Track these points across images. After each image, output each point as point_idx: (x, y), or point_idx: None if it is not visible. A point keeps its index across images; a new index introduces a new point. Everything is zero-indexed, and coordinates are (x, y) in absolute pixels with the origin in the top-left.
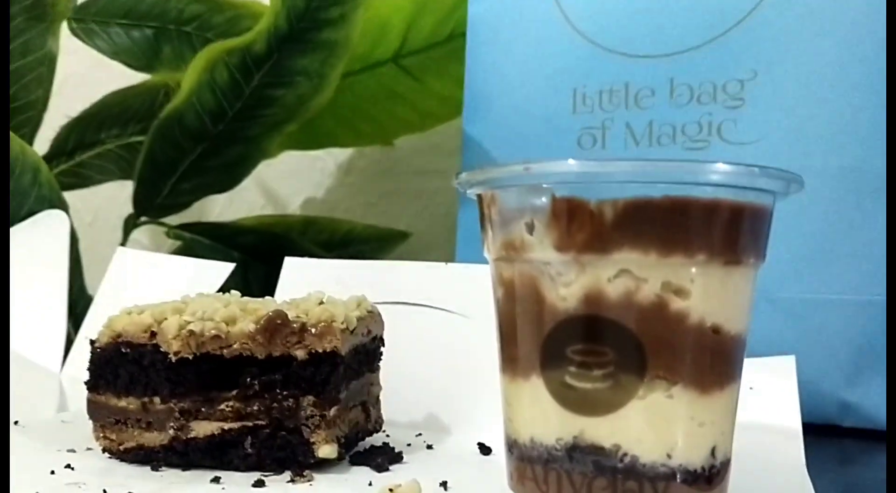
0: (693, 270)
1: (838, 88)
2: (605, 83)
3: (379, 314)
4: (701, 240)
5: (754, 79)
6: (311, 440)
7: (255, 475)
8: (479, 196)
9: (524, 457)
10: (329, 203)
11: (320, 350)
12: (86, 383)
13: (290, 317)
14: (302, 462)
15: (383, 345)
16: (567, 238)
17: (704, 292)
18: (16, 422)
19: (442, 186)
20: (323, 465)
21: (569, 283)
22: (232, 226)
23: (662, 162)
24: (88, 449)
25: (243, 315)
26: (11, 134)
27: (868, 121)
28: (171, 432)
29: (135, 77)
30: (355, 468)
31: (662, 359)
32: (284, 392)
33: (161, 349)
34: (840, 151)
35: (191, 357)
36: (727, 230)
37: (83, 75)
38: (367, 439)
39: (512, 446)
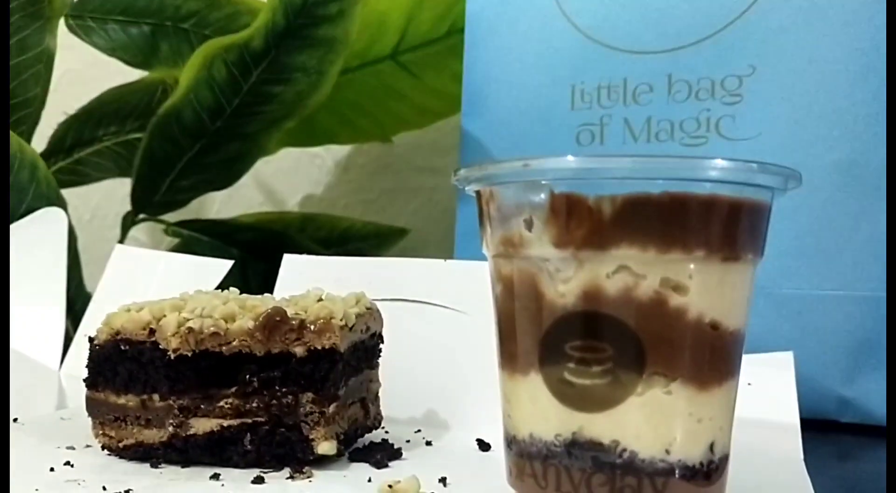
0: (691, 266)
1: (836, 83)
2: (603, 79)
3: (378, 311)
4: (699, 236)
5: (752, 75)
6: (311, 436)
7: (255, 472)
8: (478, 193)
9: (523, 453)
10: (328, 200)
11: (319, 347)
12: (85, 380)
13: (289, 314)
14: (301, 459)
15: (382, 342)
16: (566, 234)
17: (703, 288)
18: (15, 419)
19: (440, 183)
20: (322, 461)
21: (567, 279)
22: (230, 223)
23: (661, 158)
24: (87, 446)
25: (242, 312)
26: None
27: (866, 116)
28: (171, 429)
29: (132, 74)
30: (354, 465)
31: (661, 355)
32: (283, 389)
33: (160, 347)
34: (838, 147)
35: (190, 354)
36: (725, 226)
37: (81, 72)
38: (367, 435)
39: (511, 442)
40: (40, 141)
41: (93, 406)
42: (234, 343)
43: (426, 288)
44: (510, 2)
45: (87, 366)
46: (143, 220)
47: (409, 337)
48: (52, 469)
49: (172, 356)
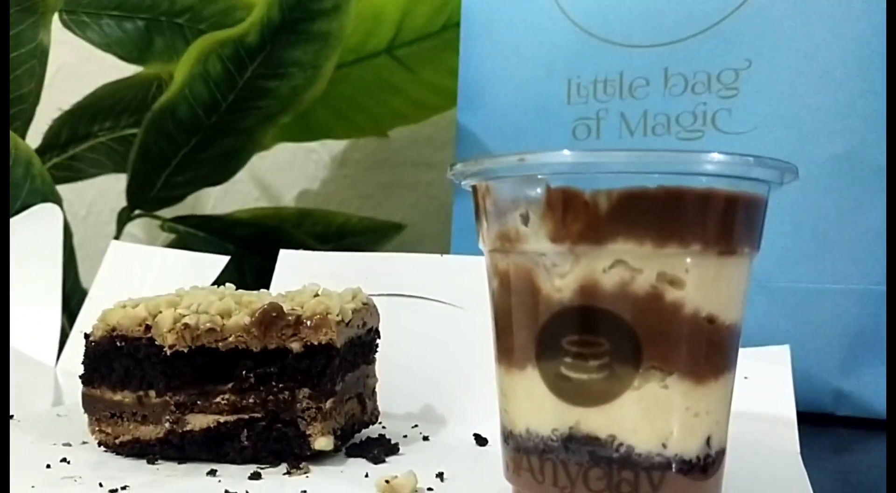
0: (688, 260)
1: (833, 76)
2: (599, 73)
3: (374, 306)
4: (696, 230)
5: (748, 68)
6: (308, 432)
7: (252, 468)
8: (474, 187)
9: (520, 448)
10: (324, 195)
11: (316, 343)
12: (81, 376)
13: (285, 310)
14: (298, 455)
15: (379, 337)
16: (562, 229)
17: (699, 282)
18: (11, 416)
19: (437, 178)
20: (319, 457)
21: (564, 274)
22: (226, 219)
23: (657, 152)
24: (84, 443)
25: (238, 308)
26: None
27: (863, 109)
28: (167, 425)
29: (127, 69)
30: (352, 460)
31: (657, 349)
32: (280, 385)
33: (156, 343)
34: (834, 140)
35: (186, 350)
36: (722, 220)
37: (75, 68)
38: (364, 431)
39: (508, 437)
40: (35, 137)
41: (89, 403)
42: (231, 339)
43: (423, 283)
44: None
45: (83, 362)
46: (139, 216)
47: (405, 332)
48: (48, 466)
49: (168, 353)
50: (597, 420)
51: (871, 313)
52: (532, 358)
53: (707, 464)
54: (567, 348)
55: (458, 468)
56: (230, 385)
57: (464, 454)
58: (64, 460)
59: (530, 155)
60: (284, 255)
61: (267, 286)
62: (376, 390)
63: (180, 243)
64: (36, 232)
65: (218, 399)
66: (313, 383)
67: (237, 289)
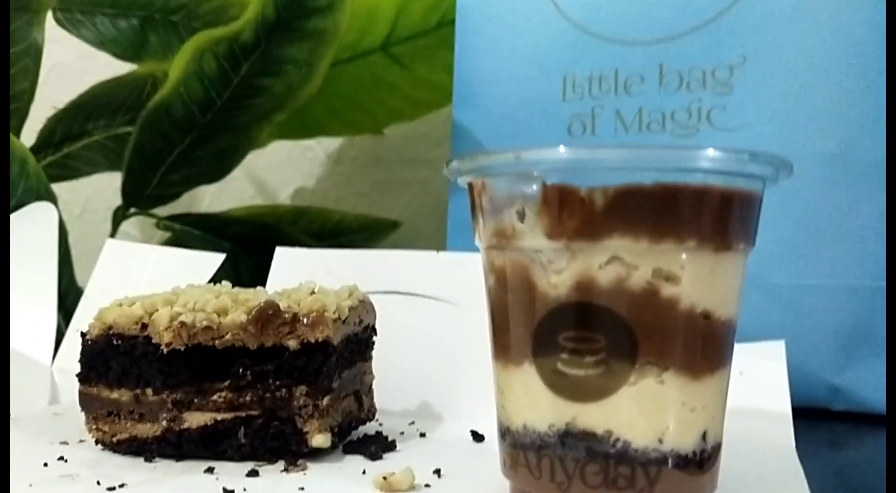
0: (683, 256)
1: (828, 73)
2: (594, 70)
3: (371, 304)
4: (691, 226)
5: (743, 65)
6: (305, 429)
7: (249, 465)
8: (470, 184)
9: (517, 444)
10: (319, 193)
11: (312, 340)
12: (77, 375)
13: (281, 307)
14: (295, 452)
15: (375, 334)
16: (558, 225)
17: (695, 278)
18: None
19: (432, 175)
20: (316, 454)
21: (560, 270)
22: (222, 216)
23: (652, 148)
24: (81, 441)
25: (235, 306)
26: None
27: (858, 106)
28: (164, 423)
29: (121, 67)
30: (349, 457)
31: (653, 345)
32: (277, 382)
33: (152, 341)
34: (829, 137)
35: (182, 349)
36: (717, 216)
37: (69, 66)
38: (361, 427)
39: (505, 433)
40: (29, 135)
41: (86, 401)
42: (227, 337)
43: (419, 280)
44: None
45: (79, 361)
46: (134, 214)
47: (402, 329)
48: (45, 465)
49: (165, 351)
50: (593, 416)
51: (866, 308)
52: (529, 354)
53: (703, 459)
54: (563, 345)
55: (456, 464)
56: (227, 383)
57: (461, 451)
58: (61, 458)
59: (526, 152)
60: (280, 252)
61: (263, 284)
62: (373, 387)
63: (176, 241)
64: (31, 231)
65: (215, 397)
66: (310, 380)
67: (233, 287)
